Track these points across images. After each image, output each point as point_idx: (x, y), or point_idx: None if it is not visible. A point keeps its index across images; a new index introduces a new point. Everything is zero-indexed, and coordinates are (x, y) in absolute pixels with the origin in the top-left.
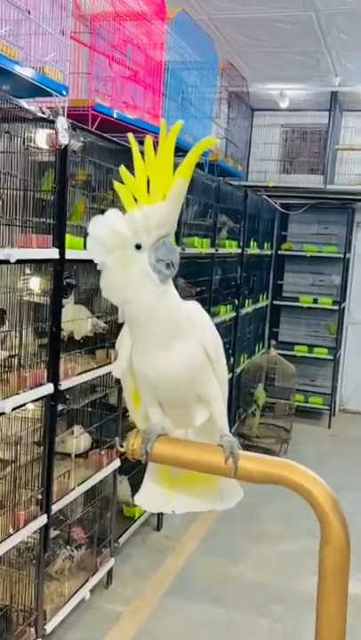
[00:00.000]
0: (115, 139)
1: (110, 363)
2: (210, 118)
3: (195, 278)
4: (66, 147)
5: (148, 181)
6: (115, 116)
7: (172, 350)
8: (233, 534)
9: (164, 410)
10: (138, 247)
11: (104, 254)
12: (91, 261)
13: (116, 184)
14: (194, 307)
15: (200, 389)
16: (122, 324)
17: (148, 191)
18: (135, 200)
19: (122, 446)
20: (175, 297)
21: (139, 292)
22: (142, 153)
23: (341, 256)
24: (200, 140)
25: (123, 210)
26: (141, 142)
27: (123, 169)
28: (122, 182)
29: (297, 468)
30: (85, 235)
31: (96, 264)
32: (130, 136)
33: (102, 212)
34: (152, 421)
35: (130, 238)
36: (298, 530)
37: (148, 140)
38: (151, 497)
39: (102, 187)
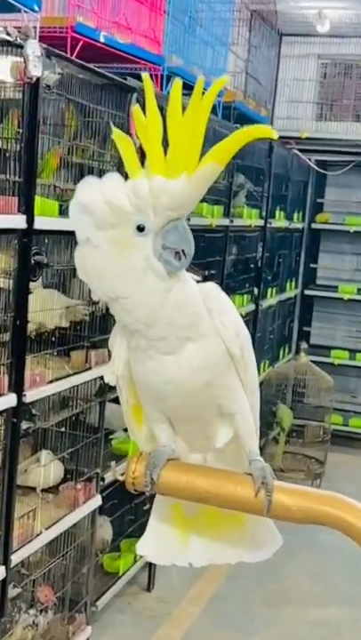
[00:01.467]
0: (102, 70)
1: (90, 368)
2: (225, 45)
3: (202, 258)
4: (37, 80)
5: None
6: (101, 39)
7: (182, 352)
8: (248, 597)
9: (175, 428)
10: (140, 229)
11: (92, 229)
12: (68, 233)
13: (118, 135)
14: (211, 290)
15: (221, 398)
16: (106, 316)
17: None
18: (142, 165)
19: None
20: (189, 287)
21: (138, 287)
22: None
23: None
24: (211, 74)
25: (122, 173)
26: (136, 76)
27: (137, 110)
28: (125, 132)
29: (350, 504)
30: (61, 197)
31: (76, 238)
32: (145, 77)
33: (82, 167)
34: (159, 442)
35: (131, 216)
36: (332, 592)
37: (177, 85)
38: (160, 545)
39: (84, 133)
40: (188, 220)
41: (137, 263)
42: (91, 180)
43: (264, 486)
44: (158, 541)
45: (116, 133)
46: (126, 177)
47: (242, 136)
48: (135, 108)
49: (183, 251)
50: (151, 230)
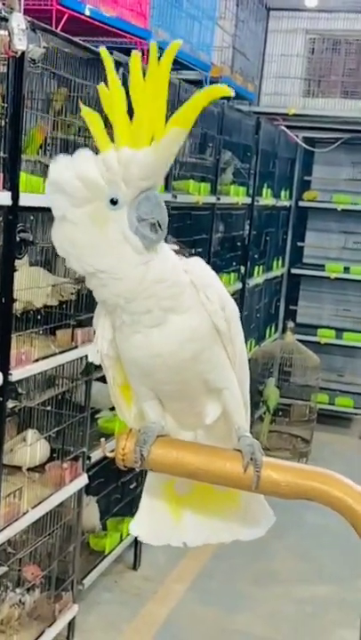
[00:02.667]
0: (87, 44)
1: (76, 346)
2: (212, 20)
3: (188, 236)
4: (22, 54)
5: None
6: (87, 13)
7: (166, 325)
8: (234, 575)
9: (164, 405)
10: (113, 202)
11: (67, 207)
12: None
13: (87, 111)
14: (195, 266)
15: (208, 373)
16: (92, 295)
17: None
18: (111, 138)
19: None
20: (169, 260)
21: (116, 261)
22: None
23: None
24: (198, 49)
25: (95, 150)
26: (122, 50)
27: (102, 88)
28: (96, 109)
29: (338, 479)
30: (46, 173)
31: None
32: (102, 50)
33: (67, 143)
34: (148, 419)
35: (103, 190)
36: (319, 571)
37: (135, 58)
38: (153, 525)
39: (69, 109)
40: (175, 197)
41: (114, 237)
42: (61, 158)
43: (253, 462)
44: (151, 521)
45: (85, 109)
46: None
47: (201, 98)
48: (100, 85)
49: (159, 223)
50: (124, 202)
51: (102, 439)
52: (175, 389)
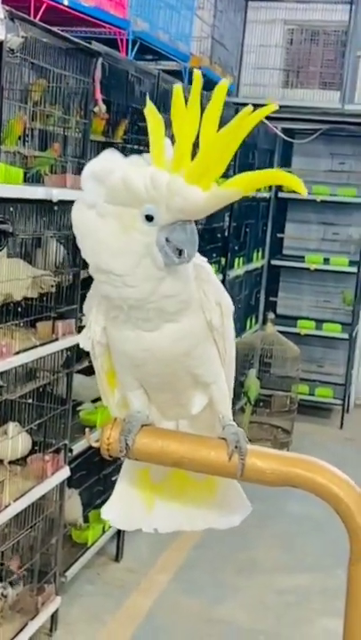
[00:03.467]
0: (66, 34)
1: (57, 339)
2: (191, 10)
3: None
4: (0, 43)
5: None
6: (65, 2)
7: (162, 329)
8: (216, 566)
9: (149, 396)
10: (148, 218)
11: (101, 198)
12: (32, 202)
13: (151, 113)
14: (195, 259)
15: (196, 368)
16: (73, 287)
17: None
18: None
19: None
20: (185, 277)
21: (132, 269)
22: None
23: None
24: (177, 39)
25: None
26: (100, 40)
27: (178, 89)
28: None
29: (322, 466)
30: (25, 164)
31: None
32: (196, 74)
33: (46, 133)
34: (133, 408)
35: (143, 203)
36: (301, 560)
37: (222, 87)
38: (124, 510)
39: (48, 99)
40: None
41: (137, 247)
42: (113, 155)
43: (237, 450)
44: (123, 506)
45: (150, 109)
46: (120, 149)
47: (274, 176)
48: (177, 89)
49: (186, 253)
50: (158, 223)
51: (87, 429)
52: (163, 381)
